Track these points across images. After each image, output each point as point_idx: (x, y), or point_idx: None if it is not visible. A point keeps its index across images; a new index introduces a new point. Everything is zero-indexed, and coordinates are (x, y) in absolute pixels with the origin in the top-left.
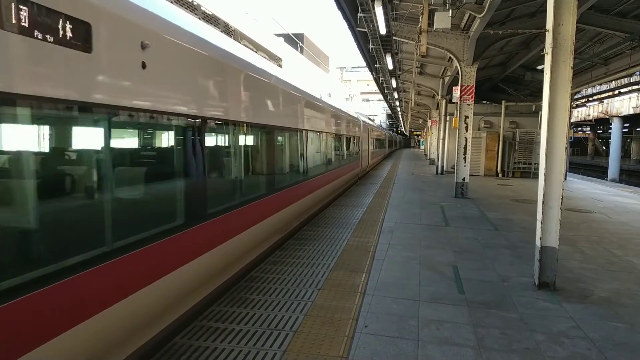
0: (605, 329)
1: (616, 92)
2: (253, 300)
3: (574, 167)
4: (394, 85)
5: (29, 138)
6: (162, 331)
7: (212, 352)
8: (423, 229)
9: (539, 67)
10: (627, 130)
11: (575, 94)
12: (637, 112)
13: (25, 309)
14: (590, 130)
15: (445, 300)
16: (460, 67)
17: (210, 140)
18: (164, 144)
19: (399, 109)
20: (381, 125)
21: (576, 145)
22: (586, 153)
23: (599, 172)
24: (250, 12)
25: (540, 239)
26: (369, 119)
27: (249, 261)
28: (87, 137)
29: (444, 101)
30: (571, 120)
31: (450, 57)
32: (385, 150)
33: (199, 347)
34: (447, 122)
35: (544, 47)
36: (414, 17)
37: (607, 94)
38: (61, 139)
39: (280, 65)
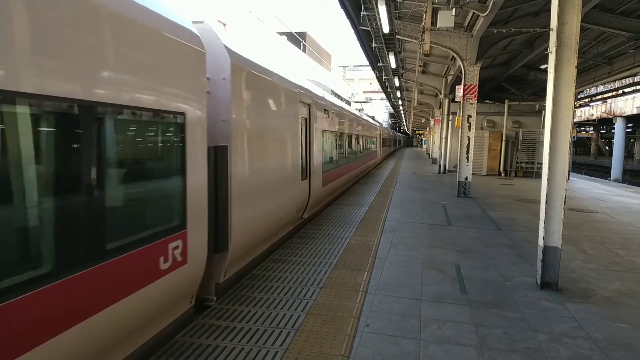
0: (608, 330)
1: (620, 91)
2: (255, 298)
3: (576, 167)
4: (397, 84)
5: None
6: (164, 329)
7: (214, 349)
8: (425, 228)
9: (543, 67)
10: (630, 130)
11: (579, 93)
12: None
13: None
14: (593, 130)
15: (448, 300)
16: (464, 66)
17: None
18: None
19: (401, 108)
20: (383, 123)
21: (579, 145)
22: (589, 153)
23: (602, 172)
24: (253, 11)
25: (543, 238)
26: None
27: (251, 259)
28: None
29: (447, 100)
30: (574, 120)
31: (453, 56)
32: (373, 157)
33: (200, 345)
34: (450, 121)
35: (548, 46)
36: (417, 15)
37: (610, 94)
38: None
39: None
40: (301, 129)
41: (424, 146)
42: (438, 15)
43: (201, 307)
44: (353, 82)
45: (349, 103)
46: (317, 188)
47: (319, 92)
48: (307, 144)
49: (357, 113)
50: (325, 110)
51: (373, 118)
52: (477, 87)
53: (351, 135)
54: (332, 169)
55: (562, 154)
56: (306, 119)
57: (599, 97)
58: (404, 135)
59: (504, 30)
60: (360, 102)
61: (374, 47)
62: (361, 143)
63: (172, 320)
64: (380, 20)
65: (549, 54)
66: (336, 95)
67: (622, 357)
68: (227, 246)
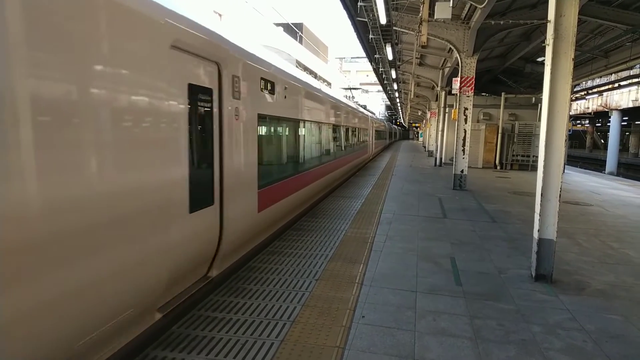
0: (601, 321)
1: (616, 85)
2: (251, 290)
3: (572, 160)
4: (394, 76)
5: None
6: (159, 320)
7: (210, 341)
8: (421, 220)
9: (539, 59)
10: (625, 123)
11: (575, 86)
12: (636, 105)
13: None
14: (589, 124)
15: (443, 292)
16: (460, 59)
17: None
18: None
19: (398, 100)
20: (377, 114)
21: (574, 138)
22: (584, 146)
23: (597, 165)
24: (250, 1)
25: (538, 231)
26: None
27: (247, 250)
28: None
29: (444, 93)
30: (570, 113)
31: (450, 48)
32: (362, 153)
33: (196, 337)
34: (446, 114)
35: (545, 39)
36: (414, 7)
37: (606, 87)
38: None
39: None
40: (192, 108)
41: (420, 139)
42: (435, 7)
43: None
44: (350, 74)
45: (329, 84)
46: (245, 217)
47: (266, 55)
48: (212, 138)
49: (339, 97)
50: (266, 81)
51: (365, 107)
52: (473, 80)
53: (326, 126)
54: (282, 178)
55: (558, 146)
56: (209, 89)
57: (595, 90)
58: (400, 128)
59: (502, 22)
60: (351, 88)
61: (371, 38)
62: (343, 137)
63: None
64: (377, 12)
65: (546, 46)
66: (309, 71)
67: (614, 348)
68: None
